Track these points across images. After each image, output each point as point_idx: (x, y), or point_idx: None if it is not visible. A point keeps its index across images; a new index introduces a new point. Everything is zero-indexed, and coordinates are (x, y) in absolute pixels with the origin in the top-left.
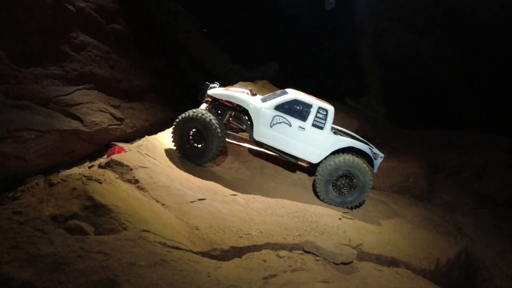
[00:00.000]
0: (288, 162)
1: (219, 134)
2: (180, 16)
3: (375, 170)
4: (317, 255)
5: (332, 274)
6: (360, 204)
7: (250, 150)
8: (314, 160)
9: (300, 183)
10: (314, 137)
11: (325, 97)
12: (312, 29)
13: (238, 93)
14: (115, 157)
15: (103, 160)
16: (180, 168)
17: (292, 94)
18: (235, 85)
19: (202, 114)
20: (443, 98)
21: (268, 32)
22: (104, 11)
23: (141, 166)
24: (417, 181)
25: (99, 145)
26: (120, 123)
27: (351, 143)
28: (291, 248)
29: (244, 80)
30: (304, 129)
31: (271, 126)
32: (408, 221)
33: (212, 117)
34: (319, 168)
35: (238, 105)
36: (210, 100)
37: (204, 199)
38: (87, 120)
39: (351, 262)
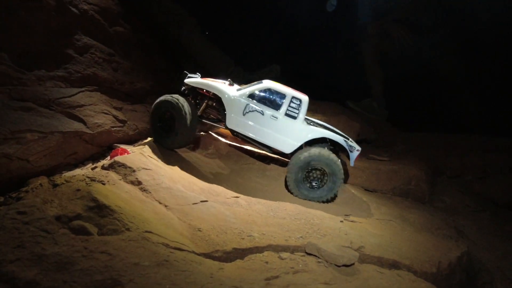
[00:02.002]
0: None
1: (188, 121)
2: (182, 18)
3: (351, 164)
4: (319, 257)
5: (334, 276)
6: (332, 199)
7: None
8: (287, 150)
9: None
10: (287, 126)
11: (326, 99)
12: (314, 30)
13: (213, 82)
14: (118, 158)
15: (106, 161)
16: (183, 170)
17: (266, 83)
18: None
19: (177, 99)
20: (444, 100)
21: (270, 34)
22: (107, 14)
23: (144, 168)
24: (418, 184)
25: (101, 147)
26: (122, 125)
27: (325, 134)
28: (293, 250)
29: (246, 82)
30: (276, 118)
31: (243, 114)
32: (410, 224)
33: (185, 104)
34: (290, 161)
35: (214, 94)
36: (187, 89)
37: (206, 201)
38: (90, 122)
39: (353, 264)
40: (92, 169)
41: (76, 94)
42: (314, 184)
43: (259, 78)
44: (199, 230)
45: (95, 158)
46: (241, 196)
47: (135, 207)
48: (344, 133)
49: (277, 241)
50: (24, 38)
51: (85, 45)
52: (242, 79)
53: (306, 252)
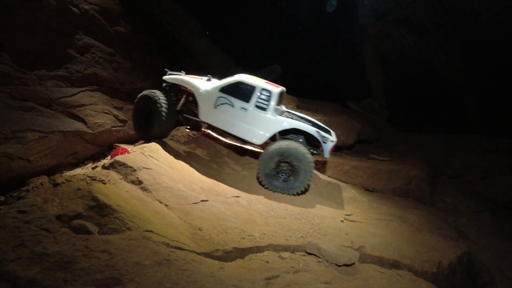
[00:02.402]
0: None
1: (163, 114)
2: (183, 18)
3: (326, 155)
4: (319, 257)
5: (334, 276)
6: (302, 192)
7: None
8: (257, 141)
9: None
10: (256, 118)
11: (327, 99)
12: (315, 31)
13: (189, 78)
14: (119, 158)
15: (106, 161)
16: (183, 169)
17: (238, 76)
18: None
19: (154, 93)
20: (445, 100)
21: (271, 34)
22: (108, 13)
23: (144, 167)
24: (419, 184)
25: (102, 147)
26: (123, 124)
27: (294, 125)
28: (293, 249)
29: None
30: (246, 110)
31: (215, 107)
32: (411, 224)
33: (161, 98)
34: (261, 153)
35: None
36: (167, 85)
37: (207, 200)
38: (91, 121)
39: (353, 264)
40: (93, 168)
41: (76, 93)
42: (283, 176)
43: (261, 77)
44: (200, 230)
45: (96, 158)
46: (242, 195)
47: (136, 206)
48: (344, 133)
49: (278, 241)
50: (24, 38)
51: (85, 44)
52: None
53: (306, 252)
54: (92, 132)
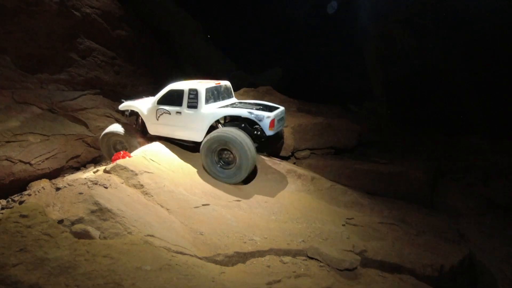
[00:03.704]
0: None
1: (127, 139)
2: (185, 22)
3: (267, 132)
4: (320, 261)
5: (336, 280)
6: (243, 181)
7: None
8: (197, 138)
9: (304, 188)
10: (190, 117)
11: (329, 102)
12: (316, 33)
13: (136, 101)
14: (120, 162)
15: (108, 165)
16: (184, 173)
17: (169, 86)
18: (239, 91)
19: (109, 130)
20: (447, 101)
21: (272, 37)
22: (110, 17)
23: (146, 171)
24: (421, 186)
25: None
26: None
27: (224, 114)
28: (294, 254)
29: (248, 86)
30: (180, 113)
31: (157, 119)
32: (412, 227)
33: (118, 128)
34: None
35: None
36: (126, 112)
37: (208, 204)
38: (92, 125)
39: (355, 268)
40: (95, 172)
41: (78, 97)
42: (222, 164)
43: (262, 81)
44: (201, 234)
45: (97, 161)
46: (243, 199)
47: (137, 210)
48: (345, 135)
49: (279, 245)
50: (27, 41)
51: (87, 48)
52: (244, 83)
53: (308, 256)
54: (93, 135)
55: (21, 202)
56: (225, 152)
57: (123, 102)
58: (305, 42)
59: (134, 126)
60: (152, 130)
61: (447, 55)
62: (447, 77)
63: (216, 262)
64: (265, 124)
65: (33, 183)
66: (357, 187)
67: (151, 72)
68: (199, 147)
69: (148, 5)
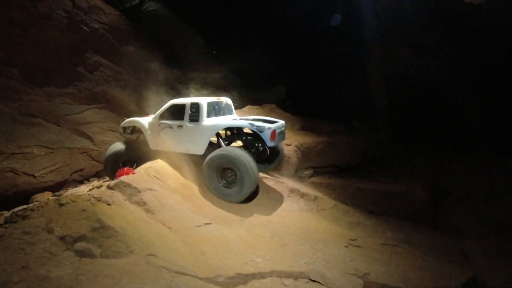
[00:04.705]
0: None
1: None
2: (190, 38)
3: (268, 143)
4: (323, 284)
5: None
6: (245, 200)
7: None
8: (198, 151)
9: (307, 208)
10: (192, 131)
11: (332, 119)
12: (320, 51)
13: (138, 118)
14: (124, 178)
15: (111, 181)
16: (187, 191)
17: (171, 101)
18: (243, 108)
19: (114, 147)
20: (451, 119)
21: (276, 54)
22: (118, 33)
23: (149, 189)
24: (424, 206)
25: None
26: None
27: (226, 125)
28: (296, 276)
29: (253, 103)
30: (182, 126)
31: (159, 134)
32: (416, 249)
33: (115, 148)
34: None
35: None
36: (128, 129)
37: (210, 223)
38: (97, 139)
39: None
40: (98, 187)
41: (84, 111)
42: (224, 183)
43: (266, 99)
44: (202, 254)
45: (101, 175)
46: (245, 219)
47: (139, 228)
48: (348, 153)
49: (281, 267)
50: (35, 54)
51: (95, 63)
52: (248, 100)
53: (310, 279)
54: (98, 149)
55: (24, 217)
56: (228, 170)
57: (124, 120)
58: (309, 60)
59: (136, 142)
60: (154, 144)
61: (451, 74)
62: (450, 96)
63: (217, 283)
64: (266, 135)
65: (36, 196)
66: (360, 206)
67: (155, 88)
68: (202, 159)
69: (154, 22)
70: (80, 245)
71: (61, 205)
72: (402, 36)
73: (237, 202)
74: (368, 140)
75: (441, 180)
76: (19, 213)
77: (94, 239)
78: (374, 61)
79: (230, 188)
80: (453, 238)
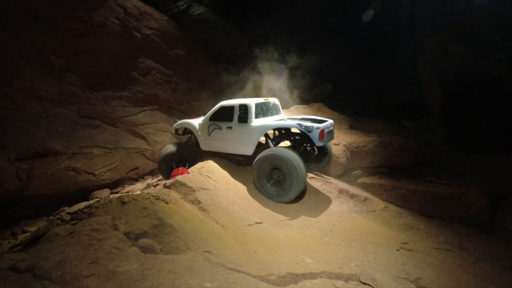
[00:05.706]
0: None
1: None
2: (237, 40)
3: (316, 143)
4: (373, 287)
5: None
6: (292, 200)
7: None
8: (247, 152)
9: (357, 209)
10: (241, 132)
11: (382, 118)
12: (368, 46)
13: (189, 120)
14: (179, 178)
15: (167, 180)
16: (238, 191)
17: (220, 103)
18: (290, 108)
19: (169, 147)
20: (508, 119)
21: (323, 51)
22: (167, 38)
23: (202, 188)
24: (479, 210)
25: None
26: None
27: (274, 126)
28: (347, 278)
29: (300, 102)
30: (231, 128)
31: (209, 135)
32: (470, 254)
33: (168, 150)
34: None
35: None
36: (181, 131)
37: (261, 222)
38: (151, 139)
39: None
40: (154, 186)
41: (138, 113)
42: (273, 183)
43: (313, 97)
44: (255, 252)
45: (154, 173)
46: (294, 219)
47: (195, 226)
48: (399, 154)
49: (331, 268)
50: (92, 61)
51: (147, 67)
52: (295, 99)
53: (360, 281)
54: (152, 149)
55: (89, 214)
56: (276, 171)
57: (176, 121)
58: (358, 57)
59: (187, 143)
60: (204, 145)
61: (510, 70)
62: (508, 94)
63: (269, 281)
64: (315, 135)
65: (95, 192)
66: (412, 208)
67: (205, 89)
68: (250, 161)
69: (201, 26)
70: (143, 241)
71: (124, 203)
72: (456, 29)
73: (285, 202)
74: (420, 140)
75: (497, 182)
76: (85, 210)
77: (155, 236)
78: (426, 56)
79: (279, 188)
80: (509, 243)
